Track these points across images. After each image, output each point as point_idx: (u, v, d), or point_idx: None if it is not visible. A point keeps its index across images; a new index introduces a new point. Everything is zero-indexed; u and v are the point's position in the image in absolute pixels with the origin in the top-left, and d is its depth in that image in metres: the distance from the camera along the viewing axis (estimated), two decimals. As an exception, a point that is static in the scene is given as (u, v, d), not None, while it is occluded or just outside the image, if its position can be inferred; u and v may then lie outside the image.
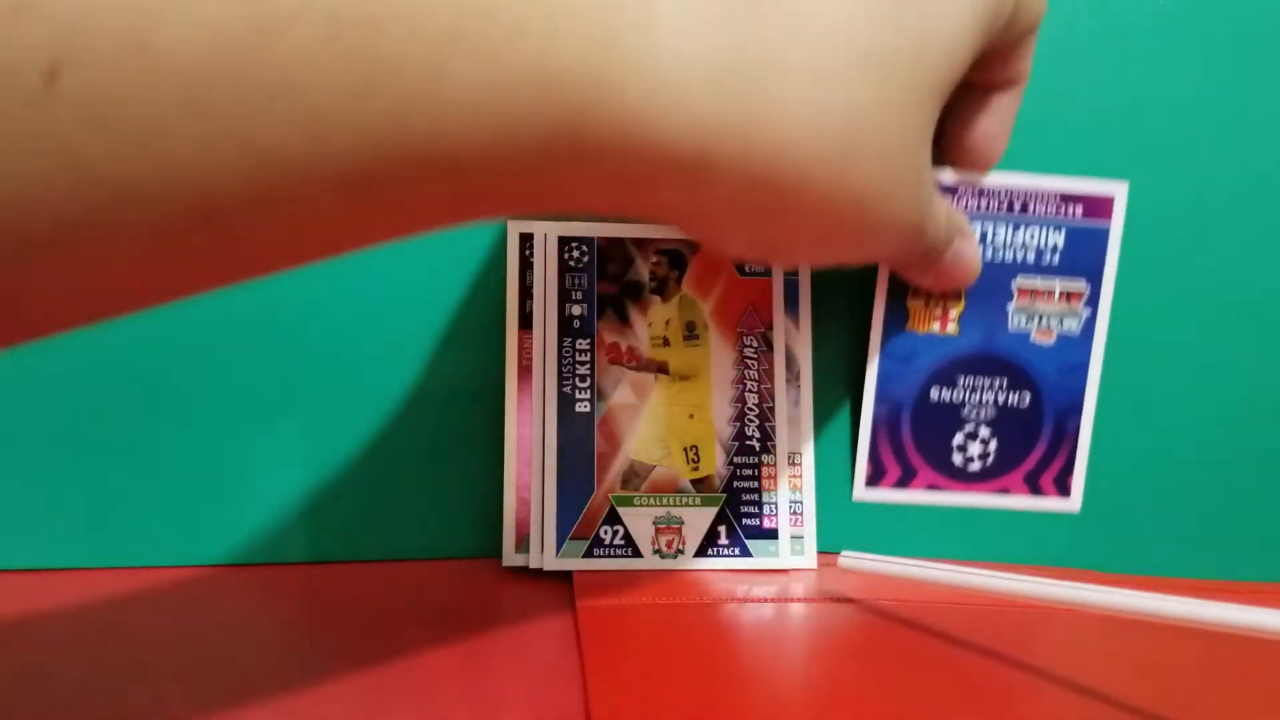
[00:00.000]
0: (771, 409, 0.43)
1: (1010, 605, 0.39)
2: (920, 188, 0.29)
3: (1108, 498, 0.46)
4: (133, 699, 0.27)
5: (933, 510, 0.45)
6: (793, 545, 0.42)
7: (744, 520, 0.42)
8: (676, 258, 0.44)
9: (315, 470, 0.43)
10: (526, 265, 0.43)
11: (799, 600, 0.38)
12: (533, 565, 0.41)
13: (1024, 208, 0.42)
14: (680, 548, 0.41)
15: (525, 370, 0.43)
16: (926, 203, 0.31)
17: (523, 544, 0.41)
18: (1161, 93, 0.46)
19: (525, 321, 0.43)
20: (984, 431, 0.44)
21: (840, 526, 0.45)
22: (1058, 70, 0.46)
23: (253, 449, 0.42)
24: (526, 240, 0.44)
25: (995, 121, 0.37)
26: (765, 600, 0.38)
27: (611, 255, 0.43)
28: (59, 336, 0.41)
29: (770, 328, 0.44)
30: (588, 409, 0.42)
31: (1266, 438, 0.47)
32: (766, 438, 0.43)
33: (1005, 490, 0.44)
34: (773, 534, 0.42)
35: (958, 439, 0.44)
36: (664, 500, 0.42)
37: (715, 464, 0.42)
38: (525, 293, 0.43)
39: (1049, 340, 0.43)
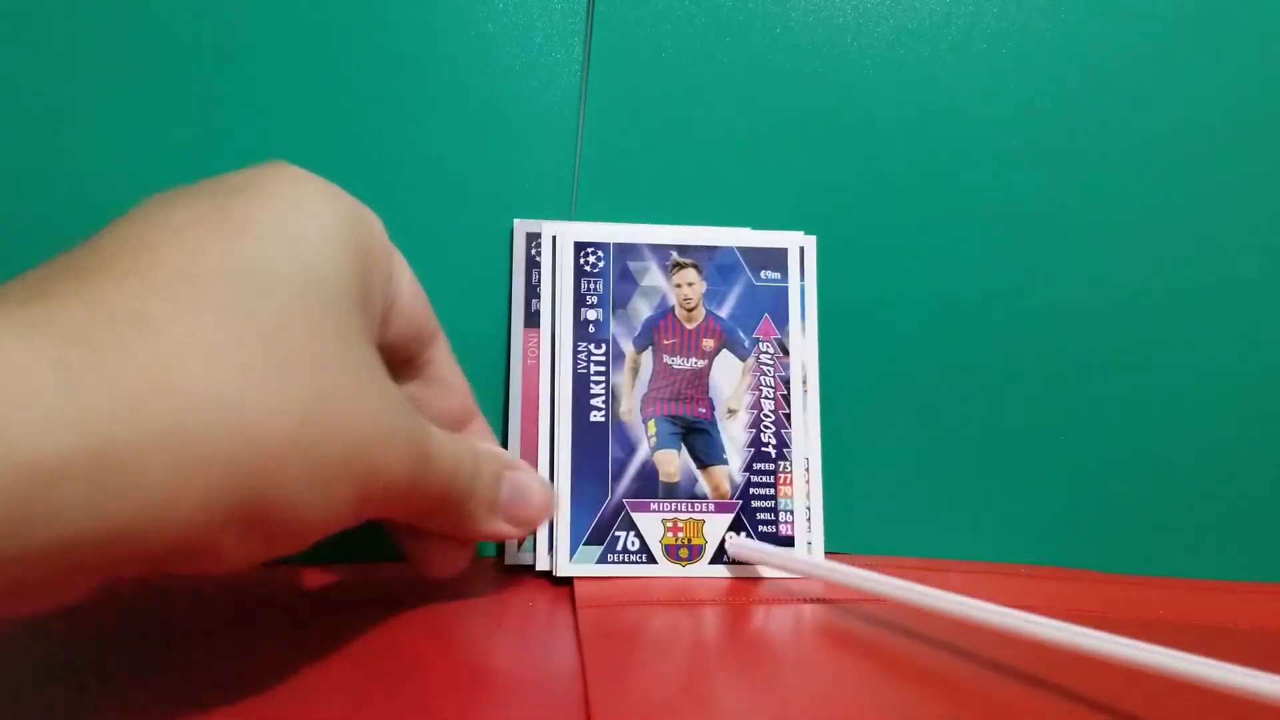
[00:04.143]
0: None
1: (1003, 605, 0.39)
2: (375, 430, 0.26)
3: (1106, 497, 0.46)
4: (133, 698, 0.27)
5: (934, 512, 0.46)
6: (807, 550, 0.42)
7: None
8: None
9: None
10: (533, 264, 0.43)
11: (799, 601, 0.38)
12: (539, 567, 0.41)
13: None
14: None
15: (530, 369, 0.43)
16: (406, 442, 0.27)
17: (525, 542, 0.41)
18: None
19: (531, 320, 0.43)
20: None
21: (844, 529, 0.45)
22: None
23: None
24: (534, 239, 0.43)
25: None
26: (765, 602, 0.38)
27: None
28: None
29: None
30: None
31: (1264, 438, 0.47)
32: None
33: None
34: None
35: None
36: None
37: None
38: (531, 291, 0.43)
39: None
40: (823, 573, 0.37)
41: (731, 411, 0.43)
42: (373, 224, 0.30)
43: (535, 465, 0.42)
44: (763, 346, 0.43)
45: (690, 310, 0.43)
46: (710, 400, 0.43)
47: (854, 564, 0.44)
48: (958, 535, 0.46)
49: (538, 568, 0.41)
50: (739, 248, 0.44)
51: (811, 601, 0.38)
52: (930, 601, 0.32)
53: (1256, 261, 0.47)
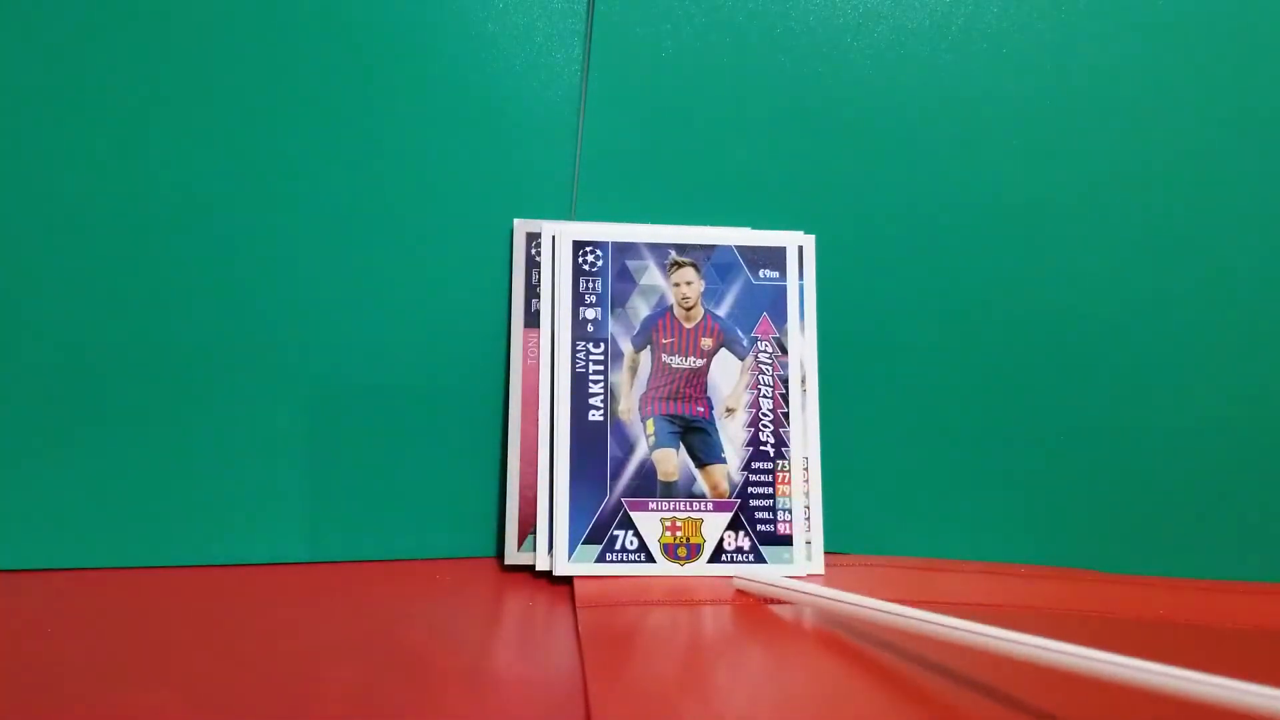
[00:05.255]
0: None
1: (1003, 605, 0.39)
2: None
3: (1106, 497, 0.46)
4: (134, 698, 0.27)
5: (934, 512, 0.46)
6: (806, 550, 0.42)
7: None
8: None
9: (315, 470, 0.43)
10: (533, 264, 0.43)
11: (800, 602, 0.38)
12: (539, 566, 0.41)
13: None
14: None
15: (531, 369, 0.43)
16: None
17: (525, 542, 0.41)
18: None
19: (531, 320, 0.43)
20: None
21: (844, 529, 0.45)
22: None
23: (252, 448, 0.42)
24: (533, 239, 0.44)
25: None
26: (763, 601, 0.38)
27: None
28: (56, 338, 0.40)
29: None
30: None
31: (1264, 439, 0.47)
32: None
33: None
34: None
35: None
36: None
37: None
38: (531, 291, 0.43)
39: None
40: (827, 603, 0.36)
41: (730, 410, 0.43)
42: None
43: (535, 465, 0.42)
44: (761, 345, 0.43)
45: (689, 309, 0.43)
46: (708, 399, 0.43)
47: (854, 564, 0.44)
48: (958, 535, 0.46)
49: (538, 568, 0.41)
50: (737, 246, 0.44)
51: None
52: (930, 629, 0.32)
53: (1257, 262, 0.47)
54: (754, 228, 0.45)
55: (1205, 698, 0.24)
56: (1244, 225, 0.47)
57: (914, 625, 0.31)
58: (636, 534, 0.41)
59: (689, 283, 0.43)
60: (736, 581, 0.40)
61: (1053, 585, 0.43)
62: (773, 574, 0.41)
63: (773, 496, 0.42)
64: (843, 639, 0.34)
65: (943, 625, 0.31)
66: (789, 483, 0.42)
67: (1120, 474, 0.46)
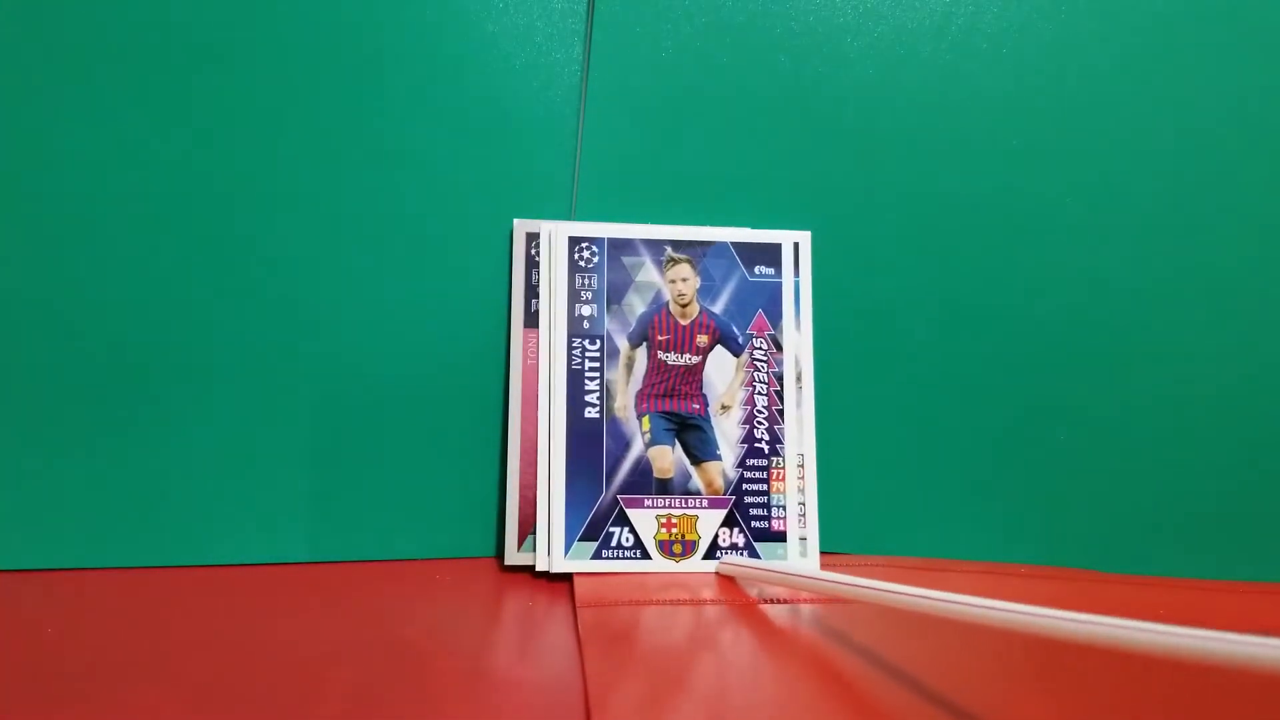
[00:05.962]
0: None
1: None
2: None
3: (1109, 497, 0.46)
4: (135, 697, 0.27)
5: (932, 511, 0.46)
6: (800, 547, 0.42)
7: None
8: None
9: (316, 470, 0.43)
10: (533, 264, 0.43)
11: (797, 599, 0.38)
12: (539, 567, 0.41)
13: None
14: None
15: (530, 369, 0.43)
16: None
17: (525, 542, 0.41)
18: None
19: (530, 320, 0.43)
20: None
21: (840, 528, 0.45)
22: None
23: (253, 449, 0.42)
24: (533, 239, 0.44)
25: None
26: (762, 600, 0.38)
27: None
28: (57, 339, 0.41)
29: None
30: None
31: (1264, 439, 0.47)
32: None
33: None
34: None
35: None
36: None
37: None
38: (531, 291, 0.43)
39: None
40: (809, 583, 0.37)
41: (725, 407, 0.43)
42: None
43: (535, 465, 0.42)
44: (756, 342, 0.43)
45: (684, 306, 0.43)
46: (704, 396, 0.43)
47: (851, 564, 0.44)
48: (957, 535, 0.46)
49: (537, 568, 0.41)
50: (733, 243, 0.44)
51: (809, 600, 0.38)
52: (912, 601, 0.32)
53: (1255, 262, 0.47)
54: (754, 228, 0.45)
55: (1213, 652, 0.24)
56: (1245, 225, 0.47)
57: (897, 600, 0.31)
58: (632, 530, 0.41)
59: (684, 279, 0.43)
60: (720, 567, 0.40)
61: (1052, 585, 0.43)
62: (755, 560, 0.41)
63: (767, 493, 0.42)
64: (839, 640, 0.34)
65: (920, 598, 0.31)
66: (784, 479, 0.43)
67: (1119, 474, 0.46)
